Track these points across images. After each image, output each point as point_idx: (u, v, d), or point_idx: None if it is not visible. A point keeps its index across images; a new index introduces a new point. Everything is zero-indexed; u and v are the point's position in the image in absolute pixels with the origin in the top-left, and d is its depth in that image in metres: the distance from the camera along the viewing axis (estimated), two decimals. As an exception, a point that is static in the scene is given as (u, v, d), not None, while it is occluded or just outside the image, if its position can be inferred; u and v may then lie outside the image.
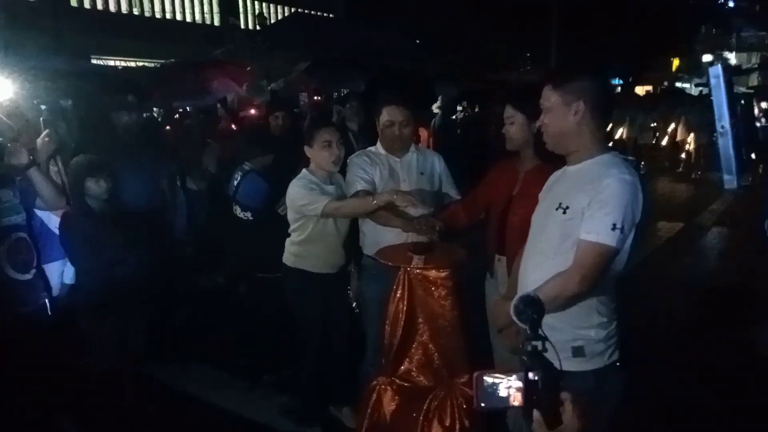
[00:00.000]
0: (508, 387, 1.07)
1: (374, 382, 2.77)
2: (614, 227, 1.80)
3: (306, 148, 3.02)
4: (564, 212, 1.92)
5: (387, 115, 2.99)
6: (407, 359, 2.69)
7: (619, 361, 1.96)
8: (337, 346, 3.25)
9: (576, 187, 1.93)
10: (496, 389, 1.07)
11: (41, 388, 2.94)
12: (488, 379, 1.07)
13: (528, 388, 1.06)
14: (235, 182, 3.73)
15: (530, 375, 1.06)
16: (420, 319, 2.65)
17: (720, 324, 4.43)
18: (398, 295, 2.63)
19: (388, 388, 2.71)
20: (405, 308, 2.62)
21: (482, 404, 1.08)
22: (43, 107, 4.34)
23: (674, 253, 6.66)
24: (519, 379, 1.07)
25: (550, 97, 1.97)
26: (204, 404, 3.58)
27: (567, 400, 1.08)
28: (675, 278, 5.59)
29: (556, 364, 1.08)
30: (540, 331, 1.11)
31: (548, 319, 1.19)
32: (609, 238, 1.81)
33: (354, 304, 3.34)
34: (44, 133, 3.13)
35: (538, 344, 1.09)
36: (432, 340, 2.65)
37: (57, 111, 4.84)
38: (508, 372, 1.08)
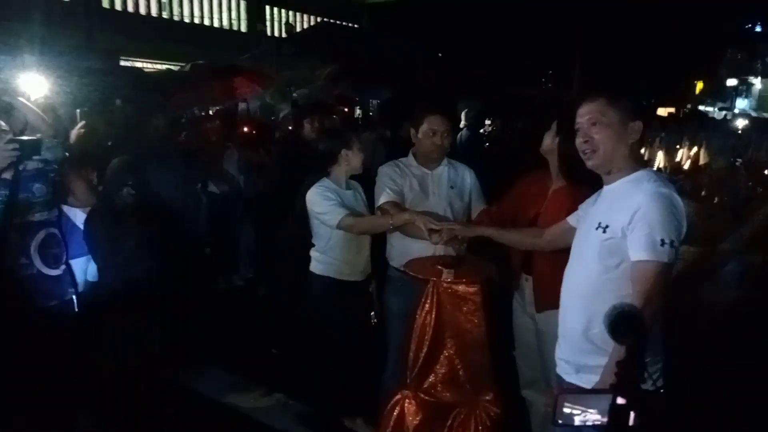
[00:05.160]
0: (585, 420, 1.05)
1: (398, 396, 2.74)
2: (663, 243, 1.78)
3: (344, 151, 3.09)
4: (604, 231, 1.90)
5: (429, 124, 2.97)
6: (432, 374, 2.66)
7: (663, 387, 1.91)
8: (354, 356, 3.22)
9: (613, 206, 1.93)
10: (572, 418, 1.06)
11: (62, 383, 2.94)
12: (566, 410, 1.05)
13: (615, 415, 1.01)
14: None
15: (618, 400, 1.01)
16: (447, 334, 2.62)
17: (740, 353, 4.33)
18: (426, 309, 2.60)
19: (413, 402, 2.68)
20: (432, 322, 2.60)
21: (559, 421, 1.07)
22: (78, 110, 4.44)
23: (694, 279, 6.55)
24: (599, 414, 1.03)
25: (607, 113, 1.92)
26: (219, 408, 3.58)
27: None
28: (695, 305, 5.49)
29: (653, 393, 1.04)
30: (642, 358, 1.05)
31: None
32: (660, 255, 1.79)
33: (372, 314, 3.31)
34: (80, 124, 3.17)
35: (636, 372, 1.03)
36: (458, 356, 2.63)
37: (98, 109, 4.93)
38: (588, 399, 1.04)
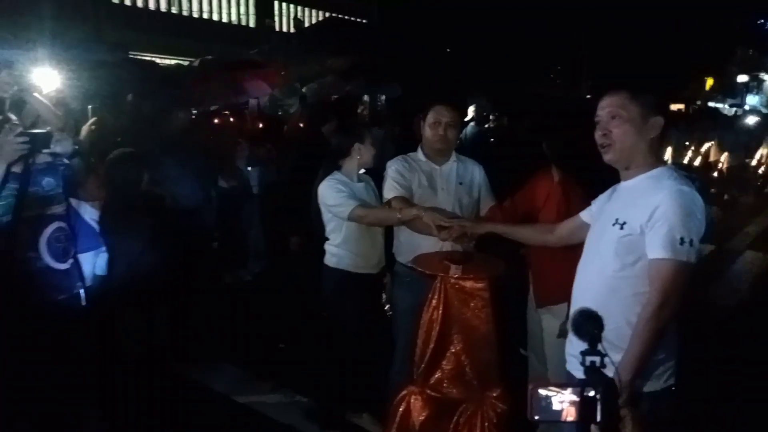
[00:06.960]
0: (562, 401, 1.06)
1: (404, 392, 2.74)
2: (682, 241, 1.75)
3: (356, 145, 3.09)
4: (621, 228, 1.86)
5: (435, 113, 2.96)
6: (439, 370, 2.65)
7: (675, 385, 1.89)
8: (365, 350, 3.22)
9: (631, 202, 1.89)
10: (550, 403, 1.06)
11: (70, 378, 2.96)
12: (542, 392, 1.06)
13: (584, 404, 1.04)
14: None
15: (587, 390, 1.04)
16: (454, 330, 2.61)
17: (749, 351, 4.30)
18: (433, 305, 2.59)
19: (419, 398, 2.68)
20: (439, 318, 2.59)
21: (536, 416, 1.08)
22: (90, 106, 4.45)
23: (704, 276, 6.48)
24: (574, 394, 1.05)
25: (628, 107, 1.87)
26: (227, 403, 3.59)
27: (627, 416, 1.08)
28: (704, 303, 5.44)
29: (615, 380, 1.07)
30: (599, 347, 1.09)
31: (608, 336, 1.15)
32: (679, 253, 1.75)
33: (387, 306, 3.31)
34: (90, 121, 3.18)
35: (597, 360, 1.07)
36: (465, 352, 2.61)
37: (107, 103, 4.94)
38: (563, 385, 1.07)
